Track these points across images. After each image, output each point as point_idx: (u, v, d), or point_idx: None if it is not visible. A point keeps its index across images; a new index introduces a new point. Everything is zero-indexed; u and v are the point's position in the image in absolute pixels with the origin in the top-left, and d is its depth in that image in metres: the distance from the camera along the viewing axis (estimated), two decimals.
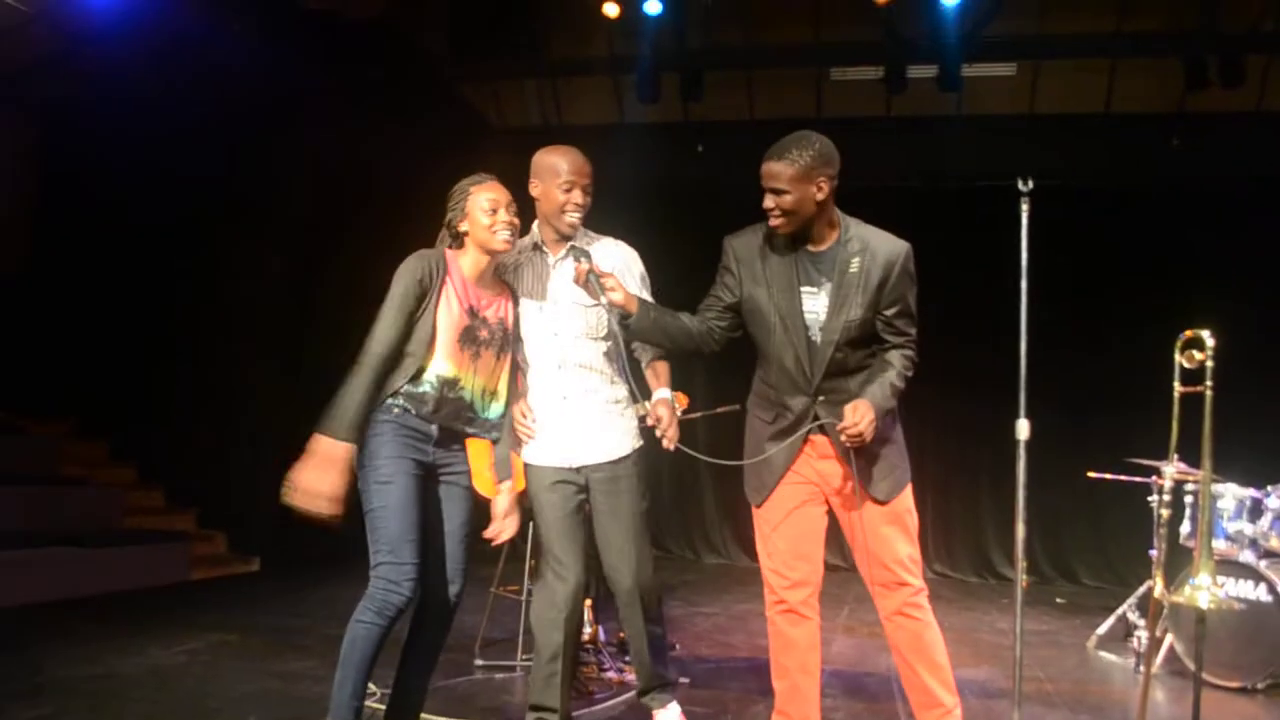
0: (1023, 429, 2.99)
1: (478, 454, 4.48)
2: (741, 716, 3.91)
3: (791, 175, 3.03)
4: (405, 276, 3.08)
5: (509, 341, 3.30)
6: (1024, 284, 2.96)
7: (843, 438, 3.03)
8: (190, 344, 7.46)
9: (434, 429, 3.15)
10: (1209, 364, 3.10)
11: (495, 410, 3.28)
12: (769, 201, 3.08)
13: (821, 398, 3.16)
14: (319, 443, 2.97)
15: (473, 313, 3.17)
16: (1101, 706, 4.33)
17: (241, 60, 6.51)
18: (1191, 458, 3.29)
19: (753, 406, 3.36)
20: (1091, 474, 5.77)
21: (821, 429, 3.19)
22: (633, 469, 3.48)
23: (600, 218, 3.58)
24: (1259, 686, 4.61)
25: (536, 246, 3.48)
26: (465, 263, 3.21)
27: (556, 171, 3.37)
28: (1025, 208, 2.97)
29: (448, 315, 3.11)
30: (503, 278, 3.42)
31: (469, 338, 3.15)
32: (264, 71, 6.61)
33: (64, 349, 7.64)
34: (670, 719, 3.62)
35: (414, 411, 3.10)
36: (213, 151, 7.15)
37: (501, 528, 3.35)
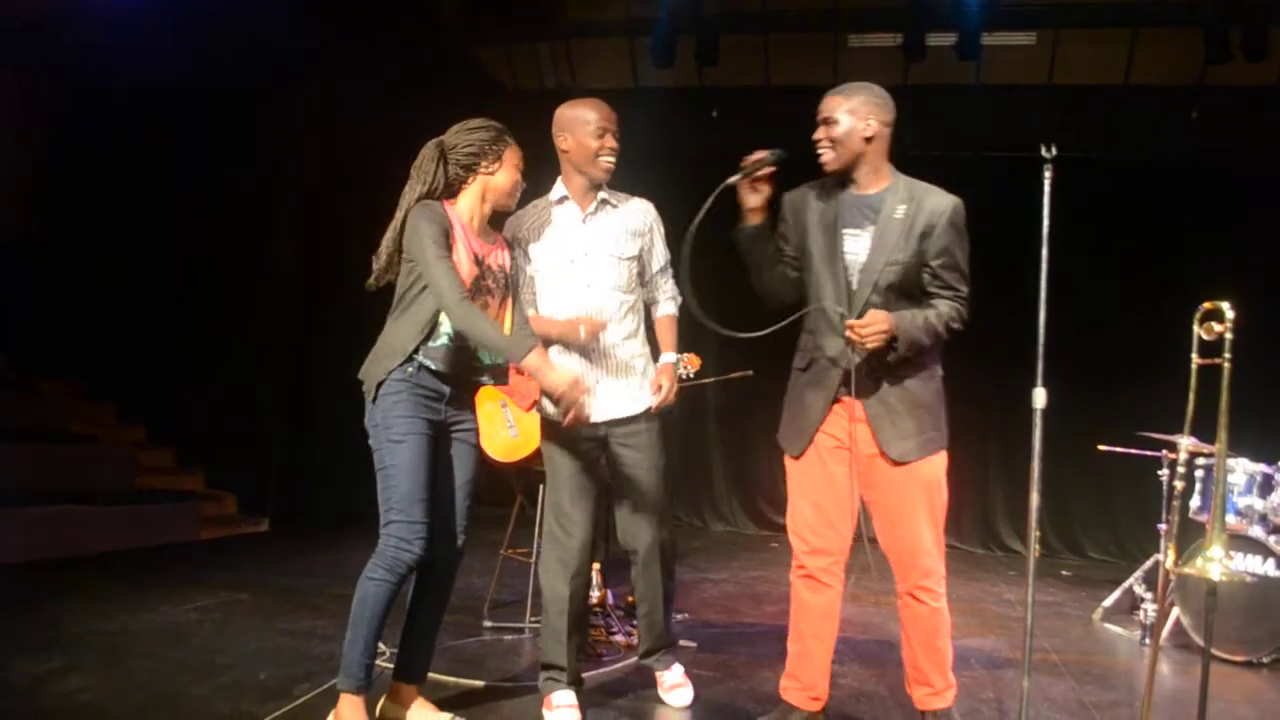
0: (1039, 397, 2.98)
1: (488, 417, 4.50)
2: (748, 681, 3.93)
3: (845, 106, 3.11)
4: (427, 224, 3.06)
5: (509, 288, 3.33)
6: (1045, 251, 2.94)
7: (847, 333, 3.05)
8: (200, 306, 7.47)
9: (447, 388, 3.16)
10: (1228, 336, 3.07)
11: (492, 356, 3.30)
12: (820, 133, 3.14)
13: (872, 357, 3.13)
14: (529, 363, 3.02)
15: (479, 261, 3.18)
16: (1107, 677, 4.34)
17: (257, 22, 6.47)
18: (1202, 432, 3.26)
19: (795, 364, 3.35)
20: (1102, 447, 5.75)
21: (856, 387, 3.16)
22: (654, 423, 3.53)
23: (614, 182, 3.57)
24: (1264, 661, 4.62)
25: (562, 200, 3.51)
26: (464, 211, 3.21)
27: (586, 120, 3.43)
28: (1048, 174, 2.93)
29: (459, 266, 3.10)
30: (520, 235, 3.44)
31: (477, 288, 3.16)
32: (280, 34, 6.57)
33: (73, 310, 7.66)
34: (675, 679, 3.66)
35: (431, 368, 3.11)
36: (226, 113, 7.12)
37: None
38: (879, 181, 3.19)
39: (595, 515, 3.54)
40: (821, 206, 3.23)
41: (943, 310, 3.14)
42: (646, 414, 3.51)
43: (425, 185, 3.16)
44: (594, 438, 3.47)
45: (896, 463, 3.15)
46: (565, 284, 3.46)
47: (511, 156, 3.24)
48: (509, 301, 3.35)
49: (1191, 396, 3.18)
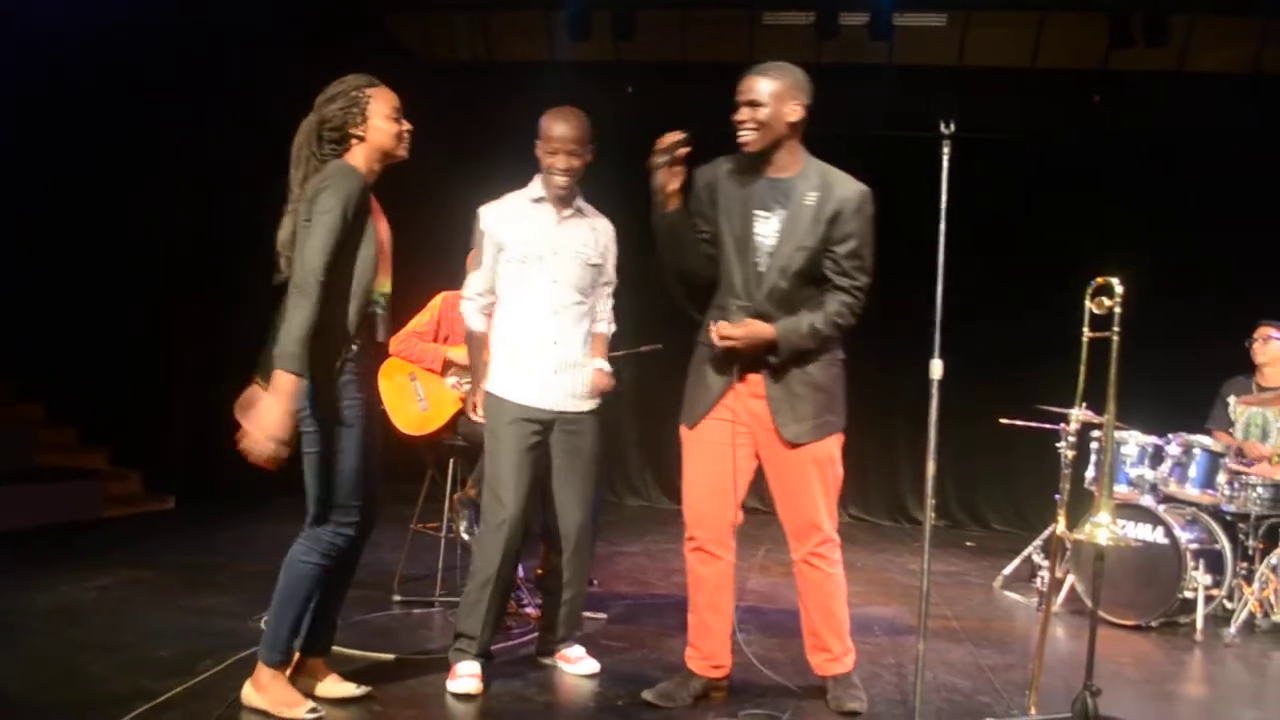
0: (936, 368, 3.05)
1: (398, 391, 4.47)
2: (656, 650, 3.98)
3: (771, 90, 3.13)
4: (342, 199, 2.91)
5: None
6: (942, 226, 3.01)
7: (715, 333, 3.14)
8: (101, 279, 7.24)
9: (372, 363, 3.15)
10: (1117, 310, 3.20)
11: None
12: (743, 114, 3.15)
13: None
14: (277, 384, 2.82)
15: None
16: (1004, 641, 4.50)
17: None
18: (1101, 405, 3.39)
19: (701, 339, 3.39)
20: (1003, 420, 5.92)
21: (754, 365, 3.22)
22: (597, 424, 3.67)
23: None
24: (1153, 625, 4.83)
25: (539, 200, 3.60)
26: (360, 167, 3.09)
27: (547, 136, 3.54)
28: (946, 149, 3.01)
29: (383, 237, 3.07)
30: (495, 227, 3.49)
31: (389, 249, 3.12)
32: None
33: None
34: (579, 653, 3.74)
35: (375, 333, 3.08)
36: (127, 83, 6.89)
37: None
38: (793, 165, 3.23)
39: (533, 495, 3.59)
40: (735, 185, 3.27)
41: (831, 310, 3.22)
42: (593, 413, 3.65)
43: (303, 171, 3.06)
44: (542, 421, 3.55)
45: (790, 444, 3.22)
46: (534, 277, 3.55)
47: (379, 107, 3.07)
48: None
49: (1083, 369, 3.30)
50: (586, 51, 7.72)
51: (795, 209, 3.19)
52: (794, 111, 3.16)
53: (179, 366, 7.28)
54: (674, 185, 3.21)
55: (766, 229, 3.23)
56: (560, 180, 3.52)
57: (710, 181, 3.32)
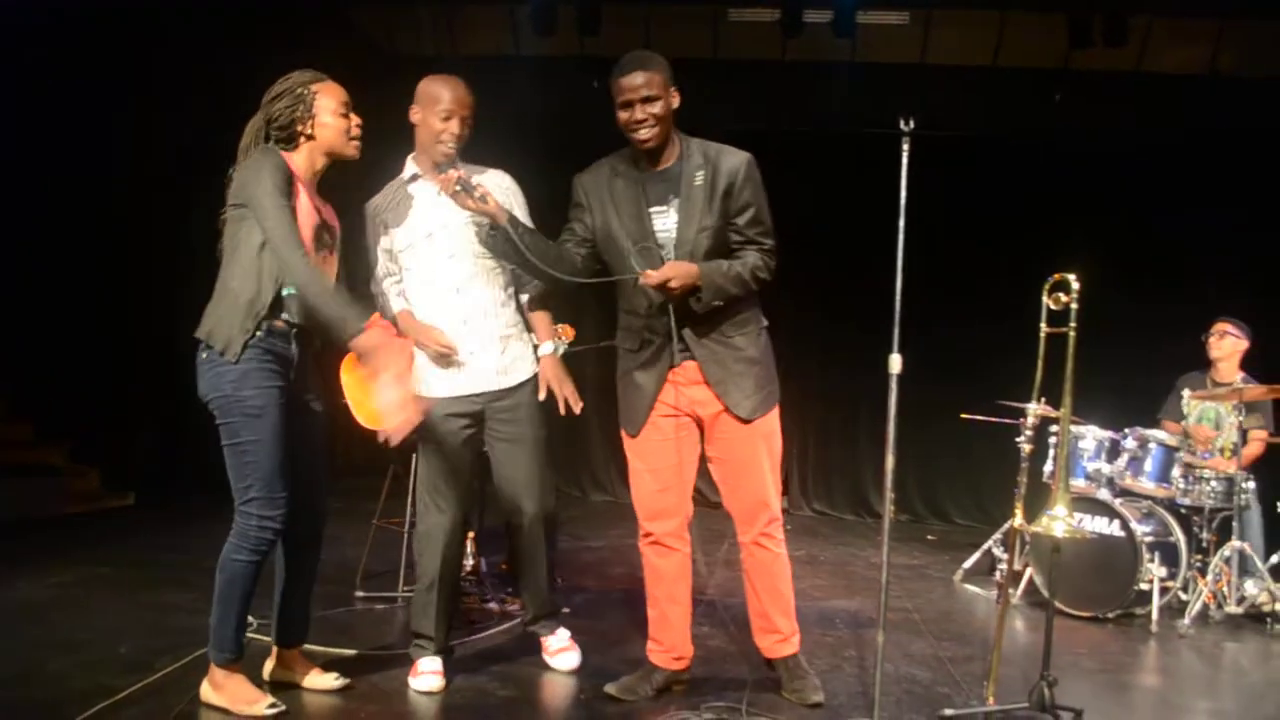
0: (895, 363, 3.08)
1: (360, 384, 4.44)
2: (620, 644, 3.99)
3: (660, 82, 3.13)
4: (271, 170, 2.89)
5: (338, 244, 3.19)
6: (901, 221, 3.03)
7: (643, 280, 3.10)
8: (59, 275, 7.14)
9: (294, 350, 3.05)
10: (1074, 306, 3.24)
11: None
12: (640, 113, 3.13)
13: (685, 315, 3.20)
14: (362, 343, 2.82)
15: (319, 212, 3.08)
16: (964, 633, 4.55)
17: None
18: (1059, 400, 3.44)
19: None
20: (964, 415, 5.99)
21: (689, 354, 3.24)
22: (532, 395, 3.53)
23: (492, 149, 3.56)
24: (1109, 616, 4.90)
25: (414, 179, 3.46)
26: (299, 164, 3.06)
27: (437, 99, 3.36)
28: (906, 147, 3.03)
29: (303, 214, 2.98)
30: (379, 217, 3.38)
31: (318, 238, 3.04)
32: None
33: None
34: (561, 643, 3.71)
35: (289, 321, 3.00)
36: (85, 69, 6.80)
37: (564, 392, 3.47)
38: (672, 151, 3.24)
39: (469, 489, 3.56)
40: (620, 189, 3.25)
41: (750, 261, 3.22)
42: (524, 385, 3.52)
43: (258, 134, 3.07)
44: (470, 413, 3.47)
45: (745, 420, 3.24)
46: (428, 257, 3.43)
47: (326, 103, 3.05)
48: (335, 258, 3.19)
49: (1040, 364, 3.35)
50: (551, 46, 7.72)
51: (687, 193, 3.19)
52: (676, 98, 3.18)
53: (139, 363, 7.20)
54: (489, 206, 3.14)
55: (666, 223, 3.23)
56: (449, 149, 3.33)
57: (590, 189, 3.31)
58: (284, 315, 3.00)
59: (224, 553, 3.00)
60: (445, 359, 3.43)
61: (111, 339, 7.10)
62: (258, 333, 2.93)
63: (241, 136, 3.09)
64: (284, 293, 2.98)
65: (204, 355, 2.97)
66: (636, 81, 3.12)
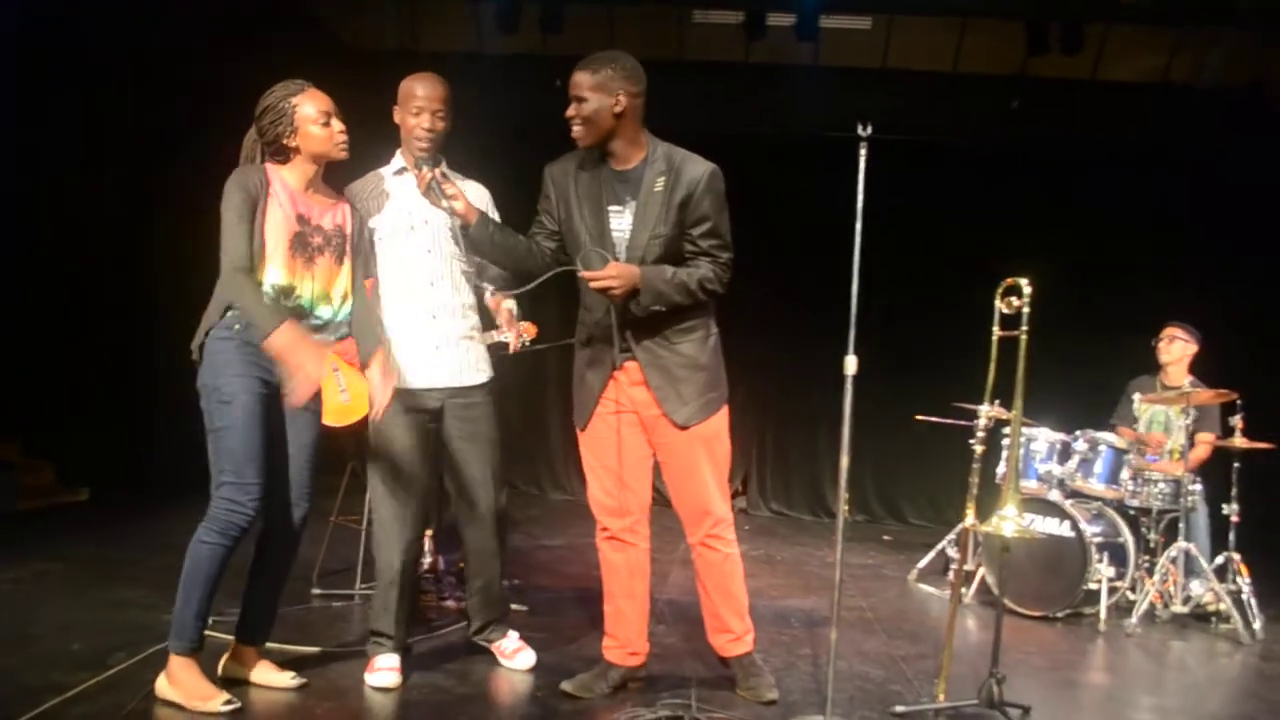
0: (850, 364, 3.12)
1: (324, 385, 4.42)
2: (577, 642, 4.01)
3: (591, 84, 3.13)
4: (235, 190, 3.03)
5: (348, 247, 3.27)
6: (859, 224, 3.08)
7: (591, 283, 3.13)
8: (10, 266, 7.03)
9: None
10: (1025, 310, 3.31)
11: (329, 312, 3.23)
12: (570, 110, 3.16)
13: (629, 317, 3.23)
14: (274, 343, 2.91)
15: (302, 220, 3.13)
16: (917, 632, 4.61)
17: None
18: (1012, 402, 3.51)
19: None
20: (919, 417, 6.07)
21: (630, 354, 3.27)
22: (488, 397, 3.59)
23: (453, 147, 3.57)
24: (1059, 615, 4.99)
25: (400, 172, 3.52)
26: (290, 175, 3.15)
27: (410, 95, 3.44)
28: (863, 151, 3.07)
29: (276, 225, 3.06)
30: (358, 203, 3.41)
31: (300, 244, 3.11)
32: None
33: None
34: (514, 645, 3.72)
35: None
36: (41, 61, 6.70)
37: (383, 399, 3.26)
38: (636, 153, 3.25)
39: (428, 486, 3.57)
40: (585, 182, 3.28)
41: (701, 271, 3.22)
42: (482, 387, 3.57)
43: (253, 147, 3.19)
44: (428, 409, 3.49)
45: (681, 427, 3.27)
46: (406, 249, 3.48)
47: (307, 114, 3.11)
48: (345, 260, 3.28)
49: (992, 367, 3.41)
50: (514, 44, 7.70)
51: (644, 198, 3.21)
52: (619, 102, 3.14)
53: (92, 357, 7.11)
54: (458, 206, 3.25)
55: (621, 223, 3.25)
56: (423, 143, 3.41)
57: (558, 180, 3.34)
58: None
59: (195, 535, 3.03)
60: (409, 350, 3.46)
61: (66, 334, 7.01)
62: (233, 325, 3.04)
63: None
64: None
65: (194, 356, 3.11)
66: (574, 78, 3.17)
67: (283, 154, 3.14)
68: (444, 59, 7.92)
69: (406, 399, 3.43)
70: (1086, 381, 6.70)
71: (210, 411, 3.04)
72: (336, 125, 3.16)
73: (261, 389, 3.07)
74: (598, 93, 3.13)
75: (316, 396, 3.26)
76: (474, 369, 3.56)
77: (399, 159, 3.55)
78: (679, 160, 3.22)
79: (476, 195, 3.57)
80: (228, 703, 3.02)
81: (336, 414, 4.39)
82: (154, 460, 7.01)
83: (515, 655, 3.68)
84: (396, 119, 3.51)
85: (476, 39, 8.05)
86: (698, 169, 3.20)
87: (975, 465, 3.45)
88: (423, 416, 3.48)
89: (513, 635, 3.74)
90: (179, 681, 3.02)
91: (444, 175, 3.34)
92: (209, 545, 3.00)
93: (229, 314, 3.06)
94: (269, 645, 3.57)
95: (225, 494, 3.01)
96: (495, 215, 3.60)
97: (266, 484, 3.07)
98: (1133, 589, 5.16)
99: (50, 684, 3.11)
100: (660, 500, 3.46)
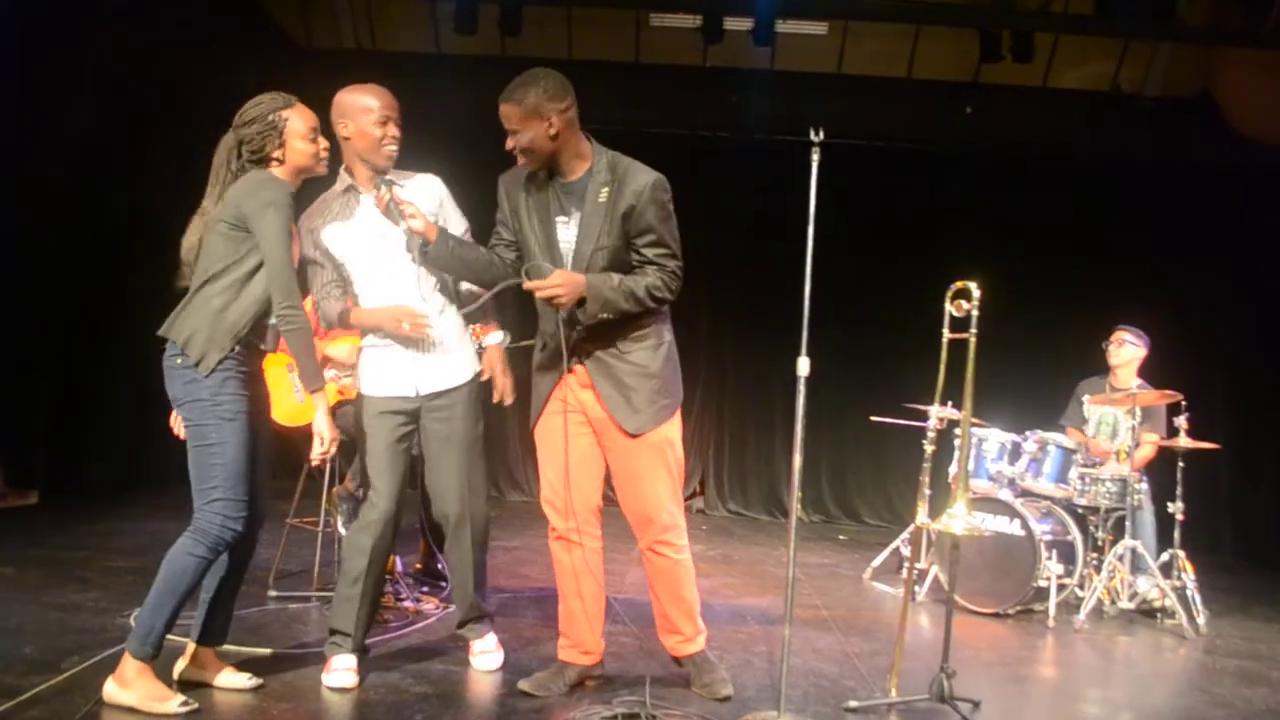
0: (803, 365, 3.17)
1: (275, 382, 4.41)
2: (534, 643, 4.03)
3: (520, 115, 3.12)
4: (286, 212, 3.03)
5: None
6: (810, 228, 3.13)
7: (536, 293, 3.15)
8: None
9: (257, 365, 3.18)
10: (974, 313, 3.38)
11: None
12: (509, 142, 3.17)
13: (577, 325, 3.25)
14: (316, 400, 3.12)
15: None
16: (871, 630, 4.67)
17: None
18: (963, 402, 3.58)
19: (535, 340, 3.48)
20: (874, 418, 6.15)
21: (580, 360, 3.30)
22: (470, 395, 3.57)
23: (411, 149, 3.56)
24: (1010, 612, 5.07)
25: (349, 190, 3.49)
26: None
27: (368, 108, 3.38)
28: (815, 157, 3.13)
29: (296, 245, 3.13)
30: (314, 230, 3.45)
31: (299, 265, 3.20)
32: None
33: None
34: (487, 647, 3.72)
35: (258, 345, 3.14)
36: None
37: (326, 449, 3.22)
38: (581, 164, 3.25)
39: (403, 488, 3.56)
40: (533, 193, 3.30)
41: (648, 279, 3.21)
42: (461, 388, 3.56)
43: (220, 187, 3.15)
44: (408, 411, 3.51)
45: (632, 435, 3.30)
46: (372, 269, 3.48)
47: (296, 128, 3.14)
48: None
49: (942, 369, 3.48)
50: (472, 45, 7.69)
51: (588, 209, 3.21)
52: (552, 125, 3.13)
53: (43, 360, 7.01)
54: (416, 225, 3.26)
55: (567, 234, 3.27)
56: (393, 150, 3.40)
57: (511, 190, 3.36)
58: (260, 343, 3.16)
59: (178, 547, 3.02)
60: (404, 344, 3.47)
61: (14, 336, 6.90)
62: (236, 348, 3.05)
63: (214, 153, 3.19)
64: (269, 321, 3.11)
65: (178, 361, 3.05)
66: (502, 111, 3.15)
67: (262, 164, 3.14)
68: (402, 59, 7.92)
69: (385, 403, 3.47)
70: (1037, 383, 6.83)
71: (207, 426, 3.02)
72: (322, 142, 3.21)
73: (250, 407, 3.12)
74: (529, 121, 3.11)
75: (268, 406, 3.34)
76: (459, 368, 3.55)
77: (345, 176, 3.50)
78: (622, 170, 3.21)
79: (430, 189, 3.55)
80: (184, 704, 3.01)
81: (292, 414, 4.39)
82: (103, 463, 6.93)
83: (480, 656, 3.69)
84: (345, 133, 3.40)
85: (434, 40, 8.04)
86: (640, 179, 3.18)
87: (926, 465, 3.53)
88: (401, 418, 3.49)
89: (490, 638, 3.73)
90: (133, 685, 2.99)
91: (395, 185, 3.34)
92: (196, 559, 3.01)
93: (235, 339, 3.04)
94: (226, 648, 3.56)
95: (219, 509, 3.02)
96: (451, 207, 3.60)
97: (252, 499, 3.13)
98: (1081, 586, 5.26)
99: (3, 687, 3.07)
100: (612, 501, 3.48)
